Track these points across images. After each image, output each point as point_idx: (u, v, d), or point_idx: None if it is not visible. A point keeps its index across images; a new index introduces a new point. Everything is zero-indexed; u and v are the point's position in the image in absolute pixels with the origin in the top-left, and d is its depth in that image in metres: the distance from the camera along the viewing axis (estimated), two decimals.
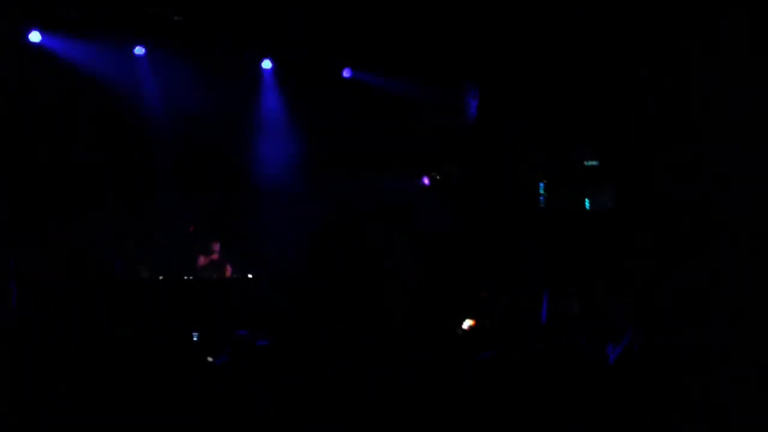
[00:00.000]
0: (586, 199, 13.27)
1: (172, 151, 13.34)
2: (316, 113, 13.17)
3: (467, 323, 11.48)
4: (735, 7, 9.41)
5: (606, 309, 10.97)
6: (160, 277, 13.00)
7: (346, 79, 13.38)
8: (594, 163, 13.27)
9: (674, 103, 10.88)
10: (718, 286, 9.84)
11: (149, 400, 8.51)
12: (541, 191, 13.44)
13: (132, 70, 12.95)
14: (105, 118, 12.92)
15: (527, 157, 13.05)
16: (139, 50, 12.92)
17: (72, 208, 12.86)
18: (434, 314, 11.53)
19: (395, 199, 13.68)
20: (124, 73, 12.88)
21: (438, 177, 13.90)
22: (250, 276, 13.08)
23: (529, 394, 8.34)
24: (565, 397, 8.18)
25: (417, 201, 13.85)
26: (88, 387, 8.62)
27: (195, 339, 11.81)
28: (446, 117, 12.99)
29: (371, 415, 8.18)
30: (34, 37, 12.44)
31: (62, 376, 8.89)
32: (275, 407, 8.33)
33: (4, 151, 12.45)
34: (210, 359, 9.82)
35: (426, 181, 14.00)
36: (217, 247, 13.20)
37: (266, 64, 13.37)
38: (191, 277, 12.97)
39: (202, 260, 13.15)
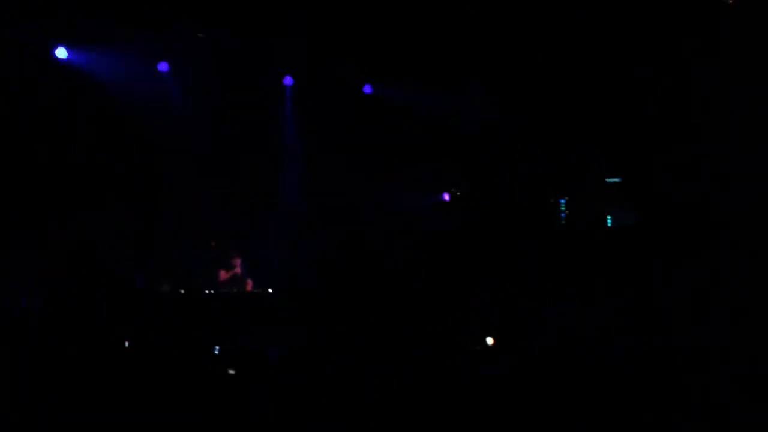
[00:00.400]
0: (608, 216, 13.20)
1: (194, 165, 13.43)
2: (335, 127, 13.21)
3: (489, 340, 11.40)
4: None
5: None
6: (181, 291, 13.10)
7: (365, 94, 13.45)
8: (616, 179, 13.21)
9: (675, 104, 10.81)
10: (718, 286, 9.72)
11: (159, 402, 8.57)
12: (563, 207, 13.38)
13: (158, 86, 13.06)
14: (130, 134, 13.03)
15: (542, 170, 12.99)
16: (162, 66, 13.05)
17: (94, 222, 12.97)
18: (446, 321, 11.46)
19: (411, 211, 13.70)
20: (150, 89, 12.99)
21: (458, 193, 13.89)
22: (270, 290, 13.12)
23: (529, 394, 8.28)
24: (565, 397, 8.10)
25: (432, 214, 13.86)
26: (106, 395, 8.71)
27: (216, 352, 11.86)
28: (462, 127, 12.95)
29: (371, 415, 8.14)
30: (61, 53, 12.62)
31: (81, 386, 9.00)
32: (275, 407, 8.33)
33: (32, 167, 12.59)
34: (231, 372, 9.88)
35: (446, 197, 14.00)
36: (238, 262, 13.26)
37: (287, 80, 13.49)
38: (212, 291, 13.06)
39: (223, 275, 13.22)
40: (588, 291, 12.10)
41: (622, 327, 10.45)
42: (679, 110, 10.79)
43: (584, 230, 13.19)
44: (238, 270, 13.33)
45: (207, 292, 13.09)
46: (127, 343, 11.19)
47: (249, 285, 13.24)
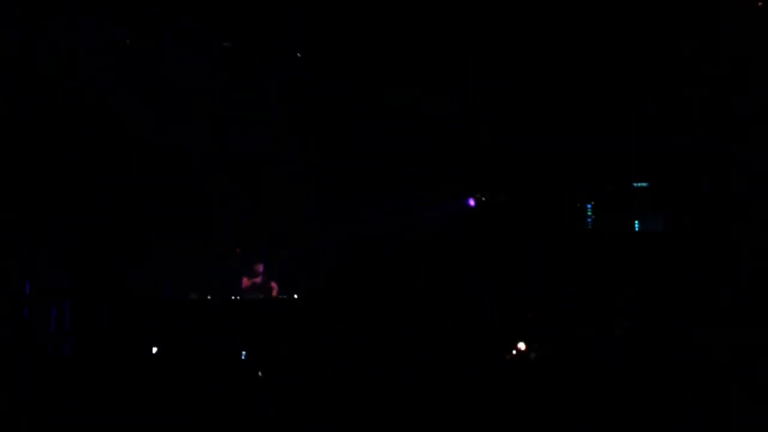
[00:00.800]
0: (636, 221, 13.04)
1: (214, 171, 13.50)
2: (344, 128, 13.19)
3: (520, 346, 11.33)
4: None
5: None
6: (208, 297, 13.18)
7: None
8: (644, 184, 13.05)
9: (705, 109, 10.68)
10: (739, 291, 9.56)
11: (160, 403, 8.64)
12: (589, 212, 13.25)
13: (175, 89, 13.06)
14: (155, 141, 13.13)
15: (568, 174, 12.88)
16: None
17: (118, 230, 13.11)
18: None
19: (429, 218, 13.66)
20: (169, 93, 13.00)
21: (483, 199, 13.81)
22: (296, 296, 13.14)
23: (530, 393, 8.21)
24: (565, 398, 8.02)
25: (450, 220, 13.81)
26: (126, 399, 8.81)
27: (243, 357, 11.94)
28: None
29: (371, 415, 8.12)
30: None
31: (109, 391, 9.12)
32: (275, 407, 8.35)
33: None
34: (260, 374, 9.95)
35: (472, 202, 13.92)
36: (261, 268, 13.29)
37: None
38: (238, 297, 13.12)
39: (246, 282, 13.27)
40: (613, 296, 11.99)
41: (641, 331, 10.34)
42: (709, 114, 10.67)
43: (611, 235, 13.04)
44: (260, 277, 13.36)
45: (233, 298, 13.16)
46: (153, 350, 11.35)
47: (274, 290, 13.27)
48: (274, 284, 13.26)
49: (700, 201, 11.13)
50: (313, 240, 13.61)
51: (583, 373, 8.44)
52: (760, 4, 9.59)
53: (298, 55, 11.64)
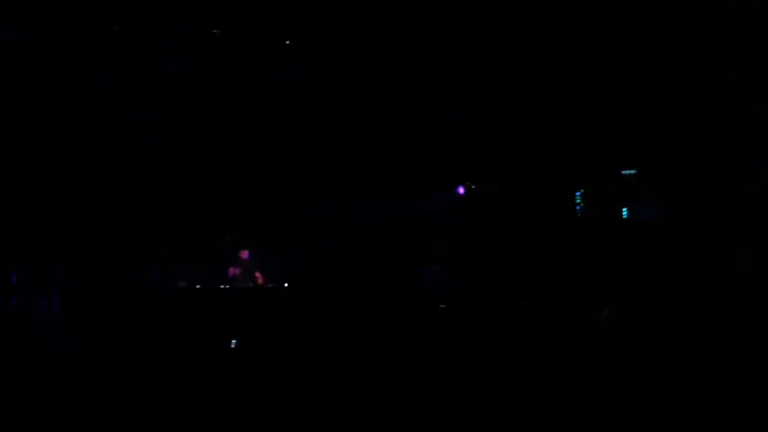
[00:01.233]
0: (624, 209, 13.08)
1: (203, 162, 13.45)
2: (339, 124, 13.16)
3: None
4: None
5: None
6: (197, 287, 13.17)
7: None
8: (632, 171, 13.09)
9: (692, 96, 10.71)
10: (731, 284, 9.59)
11: (160, 401, 8.62)
12: (578, 200, 13.30)
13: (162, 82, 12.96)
14: (136, 130, 13.03)
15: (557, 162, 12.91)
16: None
17: (111, 220, 13.05)
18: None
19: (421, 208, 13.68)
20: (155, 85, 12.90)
21: (473, 187, 13.82)
22: (285, 285, 13.15)
23: (529, 393, 8.25)
24: (565, 397, 8.06)
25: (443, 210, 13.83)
26: (116, 394, 8.79)
27: (233, 346, 11.96)
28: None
29: (371, 415, 8.14)
30: None
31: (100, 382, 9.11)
32: (275, 407, 8.35)
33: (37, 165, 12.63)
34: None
35: (461, 190, 13.93)
36: (245, 254, 13.32)
37: None
38: (227, 286, 13.11)
39: (231, 270, 13.28)
40: (603, 284, 12.04)
41: (635, 322, 10.38)
42: (697, 101, 10.67)
43: (600, 223, 13.09)
44: (245, 264, 13.37)
45: (222, 287, 13.15)
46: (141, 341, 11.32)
47: (259, 278, 13.28)
48: (258, 273, 13.28)
49: (700, 198, 11.14)
50: (307, 235, 13.61)
51: (582, 372, 8.48)
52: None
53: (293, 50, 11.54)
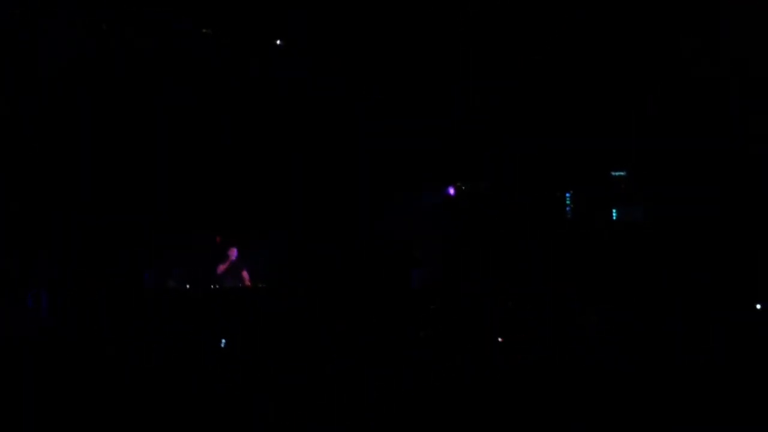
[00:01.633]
0: (614, 210, 13.14)
1: (195, 160, 13.41)
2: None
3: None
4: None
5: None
6: (187, 287, 13.14)
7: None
8: (621, 173, 13.15)
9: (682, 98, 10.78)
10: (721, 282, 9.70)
11: (160, 401, 8.60)
12: (568, 201, 13.35)
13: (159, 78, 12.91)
14: (131, 128, 12.98)
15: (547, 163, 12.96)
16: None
17: (104, 219, 12.98)
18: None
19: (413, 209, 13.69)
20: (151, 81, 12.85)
21: (463, 187, 13.84)
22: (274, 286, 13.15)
23: (529, 393, 8.27)
24: (565, 397, 8.10)
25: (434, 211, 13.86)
26: (110, 393, 8.75)
27: (222, 346, 11.93)
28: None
29: (371, 415, 8.14)
30: None
31: (87, 383, 9.06)
32: (275, 407, 8.34)
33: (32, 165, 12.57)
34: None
35: (451, 191, 13.95)
36: (234, 252, 13.31)
37: None
38: (217, 287, 13.09)
39: (221, 268, 13.27)
40: (593, 285, 12.09)
41: (624, 324, 10.44)
42: (687, 103, 10.75)
43: (589, 224, 13.15)
44: (233, 259, 13.36)
45: (212, 287, 13.13)
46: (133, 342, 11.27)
47: (245, 277, 13.28)
48: (245, 274, 13.29)
49: (701, 199, 11.23)
50: (299, 235, 13.60)
51: (582, 371, 8.52)
52: None
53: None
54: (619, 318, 11.00)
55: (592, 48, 11.12)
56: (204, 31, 12.34)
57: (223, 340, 11.91)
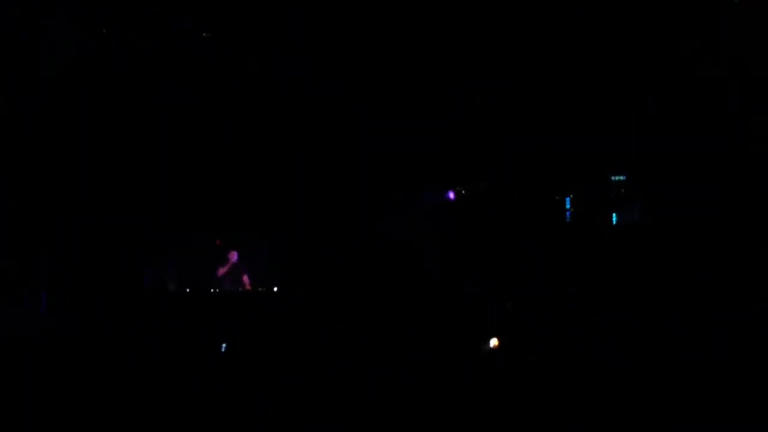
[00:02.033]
0: (614, 214, 13.15)
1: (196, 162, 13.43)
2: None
3: (493, 342, 11.36)
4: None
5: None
6: (187, 290, 13.14)
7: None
8: (621, 177, 13.16)
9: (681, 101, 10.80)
10: (723, 284, 9.70)
11: (160, 402, 8.61)
12: (568, 206, 13.36)
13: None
14: (133, 129, 12.99)
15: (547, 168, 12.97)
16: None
17: (104, 220, 12.99)
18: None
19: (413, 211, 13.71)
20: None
21: (463, 192, 13.85)
22: (275, 289, 13.14)
23: (530, 393, 8.27)
24: (565, 397, 8.10)
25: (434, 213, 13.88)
26: (109, 394, 8.76)
27: (223, 350, 11.93)
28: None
29: (371, 415, 8.15)
30: None
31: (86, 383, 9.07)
32: (275, 407, 8.34)
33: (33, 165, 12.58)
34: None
35: (451, 195, 13.96)
36: (234, 255, 13.32)
37: None
38: (217, 290, 13.09)
39: (221, 270, 13.28)
40: (593, 289, 12.09)
41: (624, 327, 10.44)
42: (686, 106, 10.76)
43: (589, 228, 13.16)
44: (234, 262, 13.37)
45: (212, 290, 13.13)
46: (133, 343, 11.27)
47: (246, 280, 13.29)
48: (246, 278, 13.30)
49: (700, 199, 11.24)
50: (304, 237, 13.61)
51: (582, 371, 8.52)
52: None
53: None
54: (619, 318, 11.01)
55: (591, 48, 11.12)
56: (204, 35, 12.38)
57: (224, 344, 11.93)
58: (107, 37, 10.83)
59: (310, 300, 11.81)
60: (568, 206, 13.38)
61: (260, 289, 13.35)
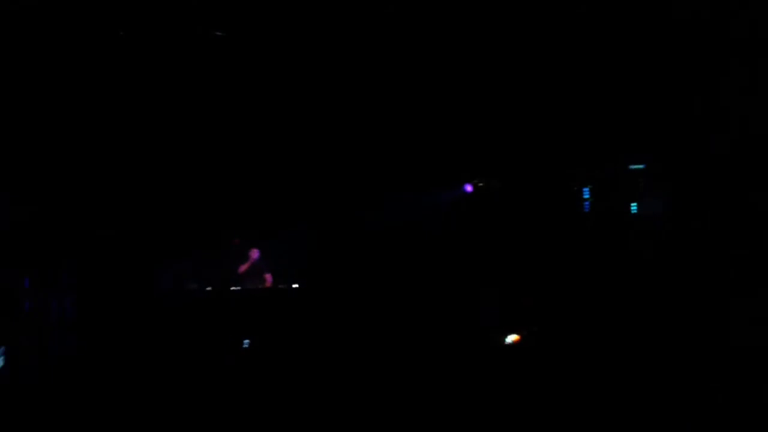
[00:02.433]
0: (633, 204, 12.99)
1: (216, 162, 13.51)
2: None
3: (511, 338, 11.33)
4: None
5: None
6: (208, 289, 13.25)
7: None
8: (640, 166, 13.00)
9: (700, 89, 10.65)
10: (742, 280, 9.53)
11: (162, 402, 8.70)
12: (586, 196, 13.23)
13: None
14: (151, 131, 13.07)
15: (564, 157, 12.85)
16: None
17: (123, 221, 13.12)
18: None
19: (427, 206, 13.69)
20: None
21: (481, 184, 13.79)
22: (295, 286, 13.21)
23: (530, 394, 8.24)
24: (566, 397, 8.05)
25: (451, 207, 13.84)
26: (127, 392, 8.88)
27: (245, 346, 12.06)
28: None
29: (371, 415, 8.17)
30: None
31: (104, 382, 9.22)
32: (275, 407, 8.40)
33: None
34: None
35: (469, 188, 13.91)
36: (255, 254, 13.39)
37: None
38: (238, 288, 13.18)
39: (242, 268, 13.35)
40: (612, 282, 11.98)
41: (645, 321, 10.35)
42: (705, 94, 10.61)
43: (608, 219, 13.02)
44: (255, 259, 13.44)
45: (233, 289, 13.22)
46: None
47: (268, 279, 13.35)
48: (268, 276, 13.35)
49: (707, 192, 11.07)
50: (311, 234, 13.64)
51: (602, 367, 8.46)
52: None
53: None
54: (639, 311, 10.92)
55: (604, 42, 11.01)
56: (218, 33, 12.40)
57: (246, 341, 12.04)
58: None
59: (329, 296, 11.87)
60: (586, 196, 13.26)
61: (280, 286, 13.44)
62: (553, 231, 13.04)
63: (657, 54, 11.27)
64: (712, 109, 11.00)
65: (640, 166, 12.98)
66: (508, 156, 13.43)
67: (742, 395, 7.62)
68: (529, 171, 13.45)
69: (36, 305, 12.24)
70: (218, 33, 12.29)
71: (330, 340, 10.77)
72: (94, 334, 12.11)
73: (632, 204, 12.96)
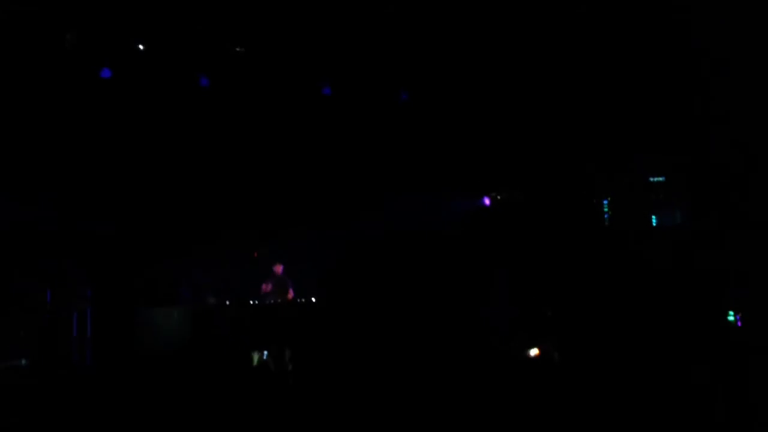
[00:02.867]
0: (653, 216, 12.88)
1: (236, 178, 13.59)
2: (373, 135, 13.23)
3: (534, 351, 11.25)
4: None
5: None
6: (227, 302, 13.27)
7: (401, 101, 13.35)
8: (660, 178, 12.90)
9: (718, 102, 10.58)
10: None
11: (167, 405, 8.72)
12: (606, 209, 13.14)
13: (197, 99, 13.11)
14: (171, 147, 13.20)
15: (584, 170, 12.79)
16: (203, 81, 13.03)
17: (139, 237, 13.22)
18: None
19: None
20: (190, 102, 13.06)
21: (499, 198, 13.76)
22: (313, 299, 13.20)
23: (531, 394, 8.17)
24: (568, 398, 7.98)
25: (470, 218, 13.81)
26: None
27: (264, 357, 12.09)
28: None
29: (371, 414, 8.13)
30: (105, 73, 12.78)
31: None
32: (276, 407, 8.38)
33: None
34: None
35: (486, 201, 13.88)
36: (280, 269, 13.38)
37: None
38: (257, 302, 13.19)
39: (264, 287, 13.32)
40: (633, 293, 11.87)
41: (666, 331, 10.24)
42: (723, 107, 10.56)
43: (628, 231, 12.92)
44: (279, 275, 13.44)
45: (252, 302, 13.23)
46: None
47: (291, 293, 13.33)
48: (291, 291, 13.34)
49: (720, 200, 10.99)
50: (327, 243, 13.65)
51: (590, 374, 8.38)
52: None
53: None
54: (660, 321, 10.81)
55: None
56: (238, 49, 12.55)
57: (266, 352, 12.07)
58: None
59: (348, 309, 11.87)
60: (606, 209, 13.18)
61: (300, 300, 13.42)
62: (574, 243, 12.95)
63: (676, 72, 11.26)
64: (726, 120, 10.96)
65: (660, 179, 12.88)
66: (531, 168, 13.40)
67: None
68: (551, 183, 13.39)
69: (56, 318, 12.33)
70: (238, 48, 12.47)
71: (354, 352, 10.75)
72: (112, 346, 12.17)
73: (652, 216, 12.86)
